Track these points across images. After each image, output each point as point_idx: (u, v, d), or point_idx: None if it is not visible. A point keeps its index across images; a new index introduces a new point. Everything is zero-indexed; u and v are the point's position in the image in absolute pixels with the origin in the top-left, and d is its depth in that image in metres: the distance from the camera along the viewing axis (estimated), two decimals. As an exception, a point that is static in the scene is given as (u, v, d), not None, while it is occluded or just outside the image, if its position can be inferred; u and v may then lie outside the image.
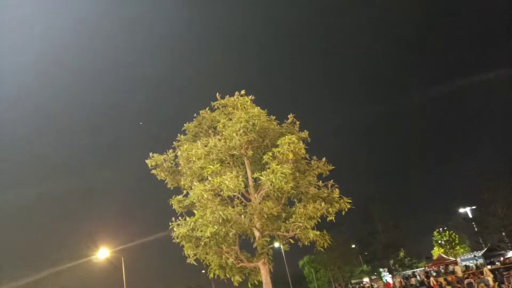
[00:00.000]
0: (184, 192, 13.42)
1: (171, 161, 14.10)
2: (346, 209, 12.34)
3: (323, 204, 11.89)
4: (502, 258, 43.38)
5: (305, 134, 13.32)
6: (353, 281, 58.45)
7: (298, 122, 13.83)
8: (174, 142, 14.31)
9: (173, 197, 13.46)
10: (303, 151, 12.07)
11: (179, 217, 11.85)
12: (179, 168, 13.63)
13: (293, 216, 12.00)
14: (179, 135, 14.34)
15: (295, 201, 13.29)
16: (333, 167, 13.21)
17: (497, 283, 16.16)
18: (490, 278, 17.99)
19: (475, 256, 47.44)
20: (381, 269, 53.33)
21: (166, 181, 14.13)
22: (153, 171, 13.92)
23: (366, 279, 55.64)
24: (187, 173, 13.10)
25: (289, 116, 13.81)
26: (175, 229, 11.49)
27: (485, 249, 47.73)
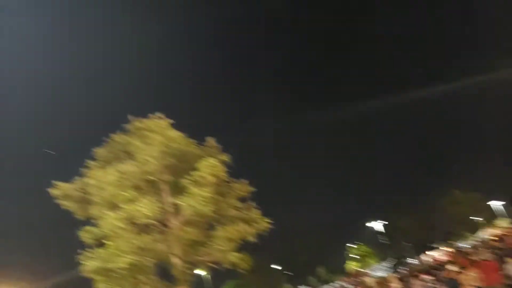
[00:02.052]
0: (95, 222, 12.43)
1: (80, 190, 12.99)
2: (266, 229, 12.49)
3: (243, 225, 11.90)
4: (405, 267, 47.44)
5: (225, 156, 13.28)
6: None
7: (217, 145, 13.76)
8: (82, 169, 13.25)
9: (82, 228, 12.35)
10: (224, 173, 12.03)
11: (89, 250, 10.90)
12: (90, 196, 12.61)
13: (213, 240, 11.80)
14: (88, 161, 13.32)
15: (215, 224, 13.09)
16: (253, 188, 13.34)
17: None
18: (396, 285, 19.47)
19: (383, 266, 51.27)
20: (299, 287, 54.59)
21: (74, 212, 12.96)
22: (59, 201, 12.69)
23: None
24: (98, 202, 12.16)
25: (207, 139, 13.72)
26: (85, 262, 10.52)
27: (391, 259, 51.93)
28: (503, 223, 52.36)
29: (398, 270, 47.13)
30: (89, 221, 12.83)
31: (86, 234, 12.17)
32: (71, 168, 13.61)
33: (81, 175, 13.08)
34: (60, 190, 12.58)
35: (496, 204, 57.76)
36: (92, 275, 10.60)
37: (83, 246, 11.84)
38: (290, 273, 55.35)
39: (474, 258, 19.47)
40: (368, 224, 53.48)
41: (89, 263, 10.47)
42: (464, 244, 39.64)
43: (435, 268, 24.09)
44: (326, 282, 53.83)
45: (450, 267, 17.23)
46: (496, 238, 28.10)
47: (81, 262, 10.61)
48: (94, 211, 12.26)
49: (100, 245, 11.65)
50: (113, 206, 11.85)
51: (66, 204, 12.71)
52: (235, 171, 13.78)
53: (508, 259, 12.87)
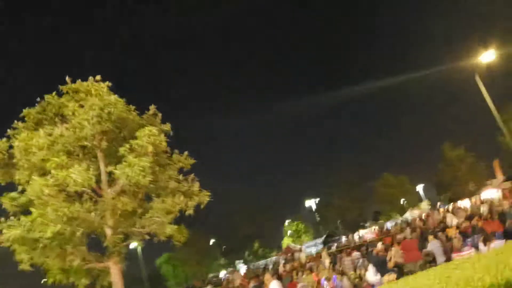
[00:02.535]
0: (20, 188, 11.51)
1: (3, 152, 11.90)
2: (205, 202, 12.37)
3: (182, 197, 11.66)
4: (336, 244, 50.31)
5: (167, 126, 12.80)
6: (210, 275, 59.86)
7: (160, 114, 13.21)
8: (8, 130, 12.13)
9: (4, 194, 11.38)
10: (164, 144, 11.59)
11: (11, 218, 10.09)
12: (14, 160, 11.60)
13: (150, 211, 11.47)
14: (16, 121, 12.20)
15: (153, 196, 12.73)
16: (194, 160, 13.08)
17: (331, 263, 18.66)
18: (327, 260, 20.54)
19: (316, 243, 53.88)
20: (237, 261, 55.96)
21: None
22: None
23: (223, 272, 57.63)
24: (24, 166, 11.20)
25: (150, 107, 13.12)
26: (5, 231, 9.73)
27: (324, 236, 54.73)
28: (425, 205, 57.15)
29: (329, 246, 49.89)
30: (13, 187, 11.89)
31: (7, 201, 11.25)
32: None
33: (7, 136, 12.00)
34: None
35: (421, 188, 62.79)
36: (12, 245, 9.83)
37: (4, 213, 10.95)
38: (226, 247, 56.46)
39: (399, 237, 21.10)
40: (305, 202, 55.70)
41: (10, 232, 9.68)
42: (391, 224, 42.77)
43: (362, 246, 25.86)
44: (262, 257, 55.62)
45: (378, 244, 18.55)
46: (419, 219, 30.68)
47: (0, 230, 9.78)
48: (19, 176, 11.32)
49: (24, 213, 10.83)
50: (42, 172, 11.03)
51: None
52: (177, 141, 13.44)
53: (430, 237, 14.07)
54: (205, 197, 12.45)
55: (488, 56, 21.12)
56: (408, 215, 48.24)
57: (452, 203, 42.16)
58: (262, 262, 52.79)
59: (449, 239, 15.52)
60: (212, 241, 57.06)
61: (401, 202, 59.18)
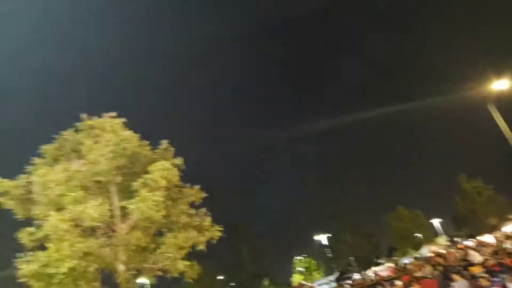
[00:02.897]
0: (37, 223, 11.73)
1: (23, 188, 12.24)
2: (217, 238, 12.41)
3: (194, 233, 11.74)
4: (351, 281, 48.77)
5: (179, 160, 13.09)
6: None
7: (172, 149, 13.55)
8: (27, 166, 12.53)
9: (22, 229, 11.60)
10: (177, 178, 11.85)
11: (29, 252, 10.25)
12: (33, 196, 11.92)
13: (162, 246, 11.54)
14: (34, 158, 12.64)
15: (165, 231, 12.82)
16: (206, 194, 13.23)
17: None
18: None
19: (329, 280, 52.32)
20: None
21: (14, 211, 12.18)
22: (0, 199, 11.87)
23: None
24: (43, 201, 11.50)
25: (162, 142, 13.49)
26: (23, 266, 9.86)
27: (337, 273, 53.15)
28: (443, 240, 55.53)
29: (342, 284, 48.33)
30: (30, 222, 12.13)
31: (25, 236, 11.45)
32: (15, 165, 12.82)
33: (25, 172, 12.40)
34: (3, 187, 11.78)
35: (436, 222, 61.24)
36: (29, 280, 9.93)
37: (22, 249, 11.12)
38: (234, 285, 55.03)
39: (417, 274, 20.46)
40: (315, 237, 54.60)
41: (27, 267, 9.81)
42: (407, 260, 41.51)
43: (379, 284, 25.07)
44: (272, 294, 53.94)
45: (395, 282, 18.00)
46: (438, 255, 29.75)
47: (18, 265, 9.91)
48: (37, 211, 11.59)
49: (41, 248, 11.00)
50: (59, 207, 11.30)
51: (7, 202, 11.91)
52: (188, 175, 13.64)
53: (455, 276, 13.47)
54: (217, 232, 12.50)
55: (501, 84, 21.07)
56: (425, 250, 46.90)
57: (471, 238, 41.01)
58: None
59: (474, 277, 14.90)
60: (220, 278, 55.80)
61: (416, 237, 57.62)
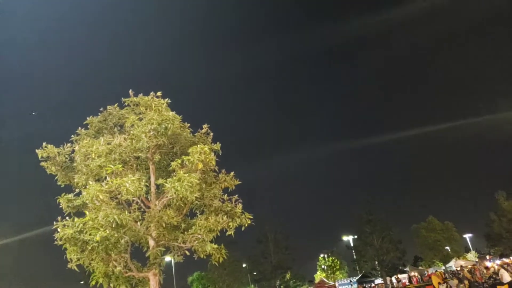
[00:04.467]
0: (76, 191, 12.19)
1: (66, 156, 12.73)
2: (247, 225, 12.39)
3: (225, 217, 11.77)
4: (372, 284, 47.91)
5: (217, 146, 13.13)
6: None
7: (211, 134, 13.63)
8: (72, 136, 13.00)
9: (62, 195, 12.09)
10: (214, 162, 11.88)
11: (66, 218, 10.66)
12: (74, 164, 12.37)
13: (193, 227, 11.65)
14: (79, 128, 13.09)
15: (197, 212, 12.96)
16: (239, 182, 13.23)
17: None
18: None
19: (351, 281, 51.62)
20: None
21: (56, 177, 12.71)
22: (43, 164, 12.40)
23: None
24: (83, 171, 11.92)
25: (203, 126, 13.57)
26: (59, 229, 10.27)
27: (360, 275, 52.31)
28: (472, 255, 53.25)
29: (364, 286, 47.48)
30: (70, 189, 12.61)
31: (64, 202, 11.93)
32: (64, 133, 13.32)
33: (70, 141, 12.86)
34: (47, 152, 12.29)
35: (468, 237, 58.68)
36: (64, 243, 10.34)
37: (62, 213, 11.61)
38: (257, 274, 55.39)
39: (441, 287, 19.76)
40: (343, 238, 53.83)
41: (63, 231, 10.21)
42: (433, 272, 40.12)
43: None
44: (292, 288, 53.96)
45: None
46: (465, 270, 28.63)
47: (57, 228, 10.34)
48: (77, 179, 12.03)
49: (78, 215, 11.42)
50: (98, 178, 11.66)
51: (50, 167, 12.43)
52: (225, 162, 13.67)
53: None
54: (246, 220, 12.48)
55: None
56: (453, 264, 45.20)
57: (503, 258, 39.07)
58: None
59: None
60: (244, 265, 56.39)
61: (446, 250, 55.60)
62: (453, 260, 47.97)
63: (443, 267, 47.43)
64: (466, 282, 18.55)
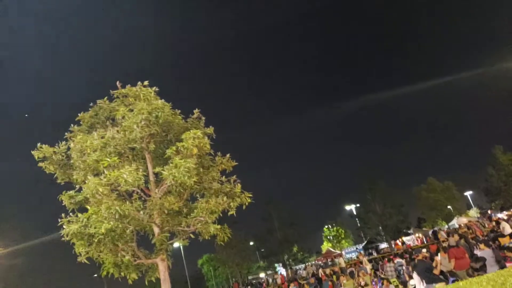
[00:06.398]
0: (77, 187, 12.36)
1: (62, 154, 12.83)
2: (247, 203, 12.65)
3: (225, 198, 12.01)
4: (378, 249, 49.00)
5: (210, 130, 13.22)
6: (250, 277, 60.24)
7: (203, 118, 13.71)
8: (66, 133, 13.06)
9: (63, 192, 12.27)
10: (208, 146, 12.02)
11: (70, 214, 10.88)
12: (71, 161, 12.50)
13: (195, 211, 11.91)
14: (72, 125, 13.14)
15: (198, 196, 13.19)
16: (236, 163, 13.42)
17: (373, 270, 18.30)
18: (368, 266, 20.16)
19: (357, 248, 52.76)
20: (276, 264, 55.94)
21: (55, 175, 12.85)
22: (41, 164, 12.52)
23: (262, 275, 57.83)
24: (80, 167, 12.04)
25: (194, 111, 13.63)
26: (65, 226, 10.51)
27: (365, 242, 53.46)
28: (474, 212, 54.25)
29: (371, 252, 48.58)
30: (70, 186, 12.78)
31: (66, 198, 12.12)
32: (57, 133, 13.38)
33: (65, 139, 12.94)
34: (43, 152, 12.39)
35: (469, 194, 59.60)
36: (71, 239, 10.61)
37: (65, 210, 11.80)
38: (265, 250, 56.54)
39: (444, 244, 20.32)
40: (345, 207, 54.67)
41: (69, 227, 10.46)
42: (436, 231, 40.98)
43: (407, 252, 25.08)
44: (301, 261, 55.25)
45: (422, 251, 18.00)
46: (466, 226, 29.31)
47: (63, 225, 10.58)
48: (76, 176, 12.18)
49: (81, 210, 11.65)
50: (96, 172, 11.81)
51: (48, 167, 12.56)
52: (220, 144, 13.82)
53: (481, 246, 13.45)
54: (246, 199, 12.74)
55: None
56: (455, 222, 46.12)
57: (503, 211, 39.84)
58: (301, 266, 52.53)
59: (501, 248, 14.79)
60: (251, 243, 57.45)
61: (448, 209, 56.63)
62: (455, 217, 48.87)
63: (446, 226, 48.39)
64: (467, 237, 19.04)
